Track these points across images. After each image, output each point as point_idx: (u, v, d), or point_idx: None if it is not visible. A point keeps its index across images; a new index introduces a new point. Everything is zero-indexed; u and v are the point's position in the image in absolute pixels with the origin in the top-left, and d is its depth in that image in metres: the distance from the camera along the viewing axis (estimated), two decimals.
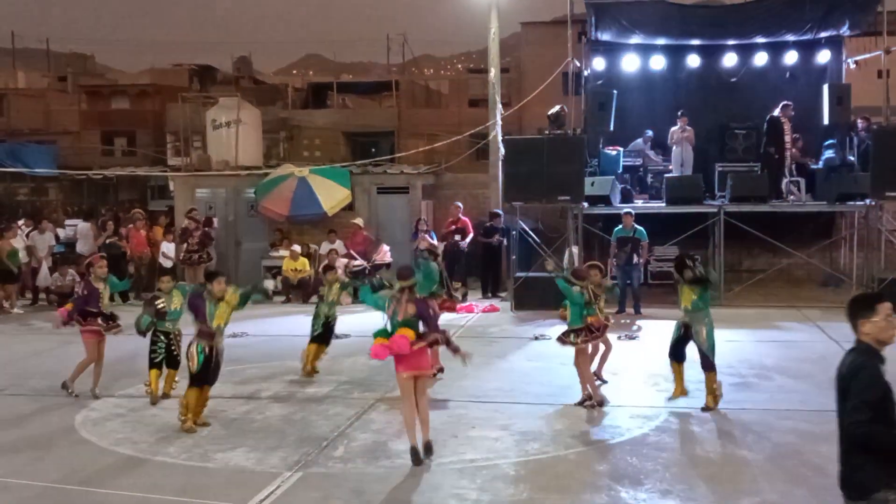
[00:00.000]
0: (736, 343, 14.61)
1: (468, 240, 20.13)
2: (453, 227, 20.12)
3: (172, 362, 11.31)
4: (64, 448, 9.39)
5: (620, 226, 17.58)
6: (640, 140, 20.82)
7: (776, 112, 19.16)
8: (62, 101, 49.64)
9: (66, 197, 33.88)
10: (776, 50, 20.93)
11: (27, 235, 20.12)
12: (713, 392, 10.49)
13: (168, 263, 20.08)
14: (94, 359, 11.52)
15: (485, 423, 10.05)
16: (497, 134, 21.05)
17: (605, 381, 11.67)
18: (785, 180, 19.15)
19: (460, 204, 20.90)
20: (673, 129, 20.03)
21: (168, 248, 20.10)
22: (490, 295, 19.77)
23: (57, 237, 21.33)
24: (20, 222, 21.34)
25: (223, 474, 8.51)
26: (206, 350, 9.85)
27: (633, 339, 15.04)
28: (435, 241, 19.37)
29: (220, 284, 10.00)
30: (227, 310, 10.04)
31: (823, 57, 20.99)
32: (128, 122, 47.20)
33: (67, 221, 22.13)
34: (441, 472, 8.46)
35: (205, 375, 9.93)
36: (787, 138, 19.05)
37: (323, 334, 12.67)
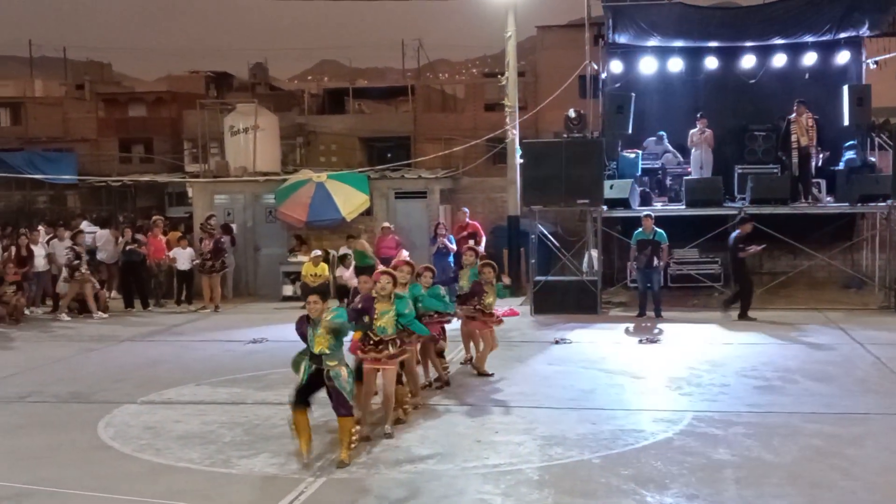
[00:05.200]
0: (759, 346, 14.56)
1: (483, 244, 20.08)
2: (465, 232, 20.07)
3: None
4: (87, 455, 9.37)
5: (640, 229, 17.48)
6: (652, 139, 20.76)
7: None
8: (79, 109, 49.98)
9: (85, 204, 34.07)
10: (795, 51, 20.82)
11: (47, 243, 20.18)
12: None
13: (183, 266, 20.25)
14: (370, 391, 9.91)
15: (507, 427, 9.99)
16: (515, 138, 20.99)
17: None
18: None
19: (467, 209, 20.91)
20: (692, 131, 19.95)
21: (178, 253, 20.20)
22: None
23: None
24: (40, 229, 21.39)
25: (246, 480, 8.48)
26: None
27: (655, 342, 14.95)
28: (454, 246, 19.35)
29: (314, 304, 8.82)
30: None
31: (843, 58, 20.87)
32: (145, 129, 47.53)
33: (87, 228, 22.14)
34: (465, 477, 8.41)
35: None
36: (794, 137, 18.85)
37: None
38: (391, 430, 9.70)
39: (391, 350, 9.62)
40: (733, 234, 17.21)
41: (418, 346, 11.23)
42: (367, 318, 9.68)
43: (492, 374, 12.53)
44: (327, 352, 8.73)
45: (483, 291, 12.47)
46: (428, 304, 11.28)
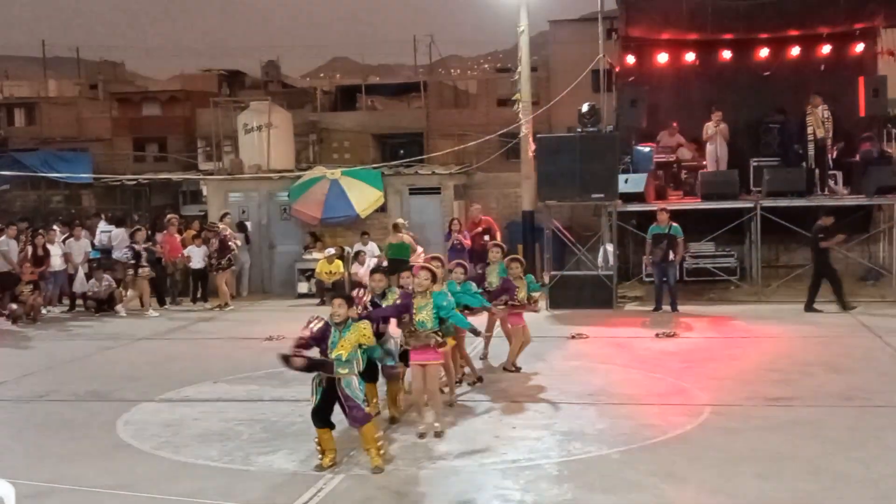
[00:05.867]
0: (777, 339, 14.51)
1: (498, 239, 20.04)
2: (478, 228, 20.03)
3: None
4: (106, 453, 9.41)
5: (655, 223, 17.44)
6: (664, 132, 20.67)
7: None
8: (93, 108, 50.17)
9: (100, 203, 34.19)
10: (810, 43, 20.71)
11: (63, 242, 20.26)
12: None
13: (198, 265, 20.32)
14: (420, 390, 9.74)
15: (526, 422, 9.99)
16: (528, 133, 20.95)
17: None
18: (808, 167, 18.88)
19: (479, 205, 20.88)
20: (707, 124, 19.88)
21: (192, 251, 20.28)
22: None
23: (93, 244, 21.47)
24: (55, 228, 21.48)
25: (265, 477, 8.49)
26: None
27: (671, 336, 14.90)
28: (469, 241, 19.32)
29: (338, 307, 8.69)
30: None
31: (858, 49, 20.74)
32: (158, 128, 47.63)
33: (102, 227, 22.26)
34: (484, 472, 8.40)
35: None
36: (810, 129, 18.75)
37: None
38: (440, 426, 9.63)
39: (433, 343, 9.62)
40: (815, 226, 17.03)
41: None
42: (406, 317, 9.62)
43: (519, 369, 12.53)
44: (345, 358, 8.63)
45: (514, 287, 12.39)
46: (461, 300, 10.80)
